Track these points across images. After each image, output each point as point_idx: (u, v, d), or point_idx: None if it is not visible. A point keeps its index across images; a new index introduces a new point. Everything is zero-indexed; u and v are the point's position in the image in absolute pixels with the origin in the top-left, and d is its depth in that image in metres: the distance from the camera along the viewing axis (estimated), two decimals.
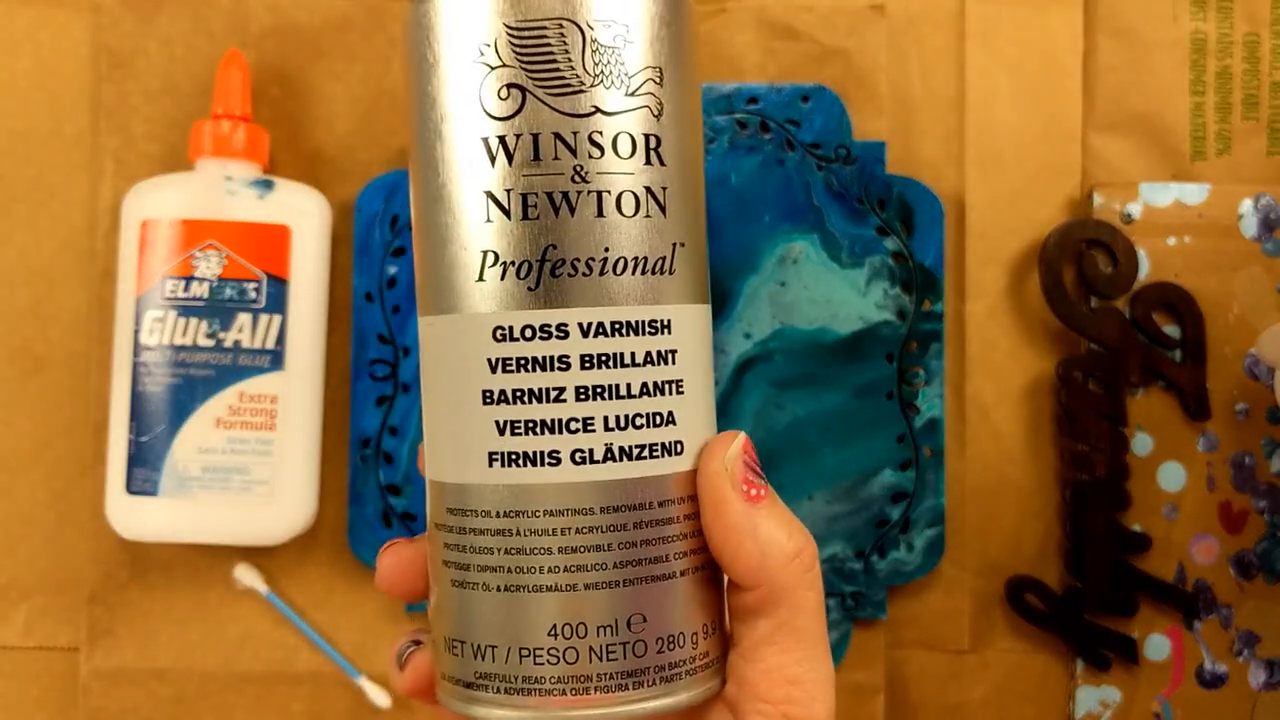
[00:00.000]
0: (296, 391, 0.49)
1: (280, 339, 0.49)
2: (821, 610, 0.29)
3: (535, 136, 0.26)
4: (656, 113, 0.27)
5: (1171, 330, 0.51)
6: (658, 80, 0.27)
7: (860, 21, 0.52)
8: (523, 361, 0.27)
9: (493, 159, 0.27)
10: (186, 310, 0.48)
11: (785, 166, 0.51)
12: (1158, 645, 0.50)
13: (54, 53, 0.52)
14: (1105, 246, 0.50)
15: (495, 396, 0.27)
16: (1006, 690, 0.51)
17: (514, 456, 0.27)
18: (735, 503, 0.28)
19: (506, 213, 0.27)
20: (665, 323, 0.27)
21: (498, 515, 0.27)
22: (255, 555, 0.51)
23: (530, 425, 0.27)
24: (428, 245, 0.28)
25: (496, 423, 0.27)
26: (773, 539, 0.28)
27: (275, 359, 0.49)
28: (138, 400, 0.48)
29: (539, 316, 0.27)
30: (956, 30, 0.52)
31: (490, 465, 0.27)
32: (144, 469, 0.48)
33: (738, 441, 0.29)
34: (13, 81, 0.52)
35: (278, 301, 0.49)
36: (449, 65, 0.27)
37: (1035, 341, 0.52)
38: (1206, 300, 0.51)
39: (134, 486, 0.48)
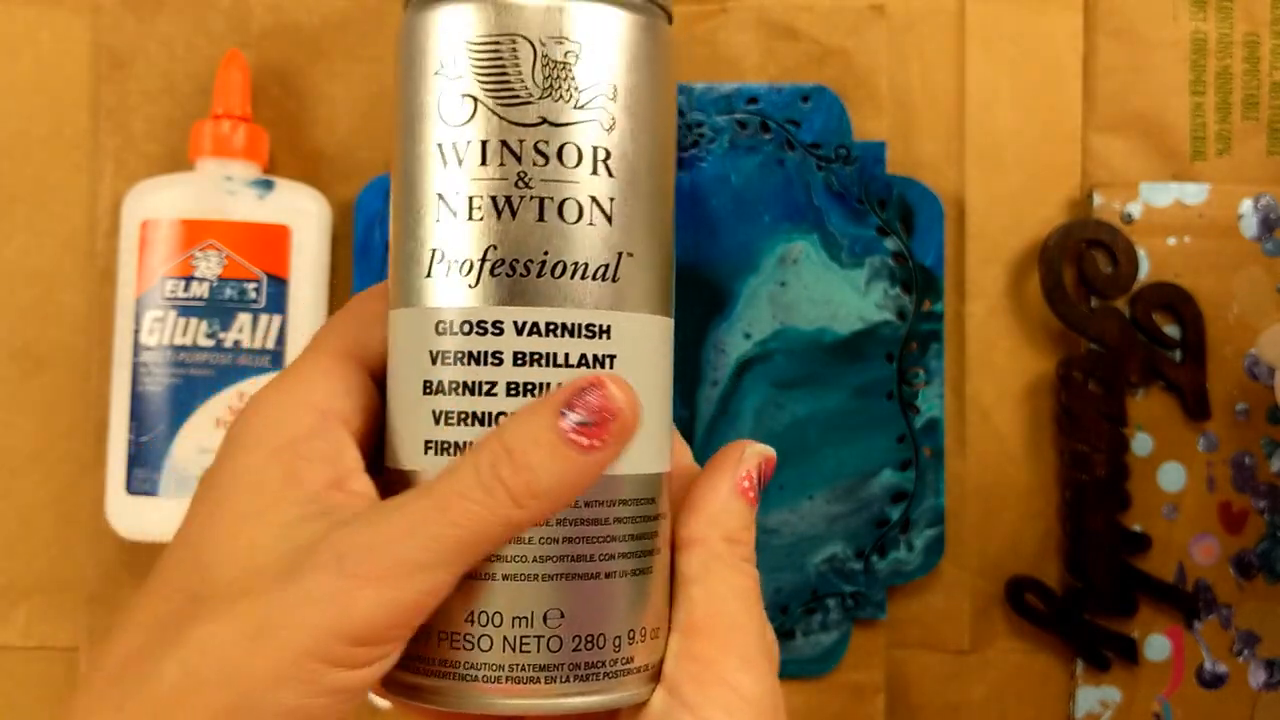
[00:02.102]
0: None
1: (280, 339, 0.49)
2: (759, 607, 0.29)
3: (484, 143, 0.28)
4: (607, 127, 0.28)
5: (1171, 330, 0.51)
6: (610, 96, 0.28)
7: (860, 21, 0.52)
8: (459, 355, 0.28)
9: (445, 162, 0.28)
10: (186, 310, 0.48)
11: (785, 166, 0.51)
12: (1158, 645, 0.50)
13: (54, 53, 0.52)
14: (1105, 246, 0.50)
15: (434, 387, 0.28)
16: (1006, 690, 0.51)
17: (445, 445, 0.28)
18: (728, 480, 0.29)
19: (454, 213, 0.28)
20: (603, 328, 0.28)
21: None
22: None
23: (462, 416, 0.28)
24: (394, 241, 0.30)
25: (433, 412, 0.28)
26: (739, 510, 0.29)
27: (275, 359, 0.49)
28: (138, 400, 0.48)
29: (476, 313, 0.28)
30: (956, 30, 0.52)
31: (425, 453, 0.28)
32: (144, 469, 0.48)
33: (768, 449, 0.30)
34: (13, 81, 0.52)
35: (278, 301, 0.49)
36: (417, 76, 0.29)
37: (1035, 341, 0.52)
38: (1206, 300, 0.50)
39: (134, 486, 0.48)
